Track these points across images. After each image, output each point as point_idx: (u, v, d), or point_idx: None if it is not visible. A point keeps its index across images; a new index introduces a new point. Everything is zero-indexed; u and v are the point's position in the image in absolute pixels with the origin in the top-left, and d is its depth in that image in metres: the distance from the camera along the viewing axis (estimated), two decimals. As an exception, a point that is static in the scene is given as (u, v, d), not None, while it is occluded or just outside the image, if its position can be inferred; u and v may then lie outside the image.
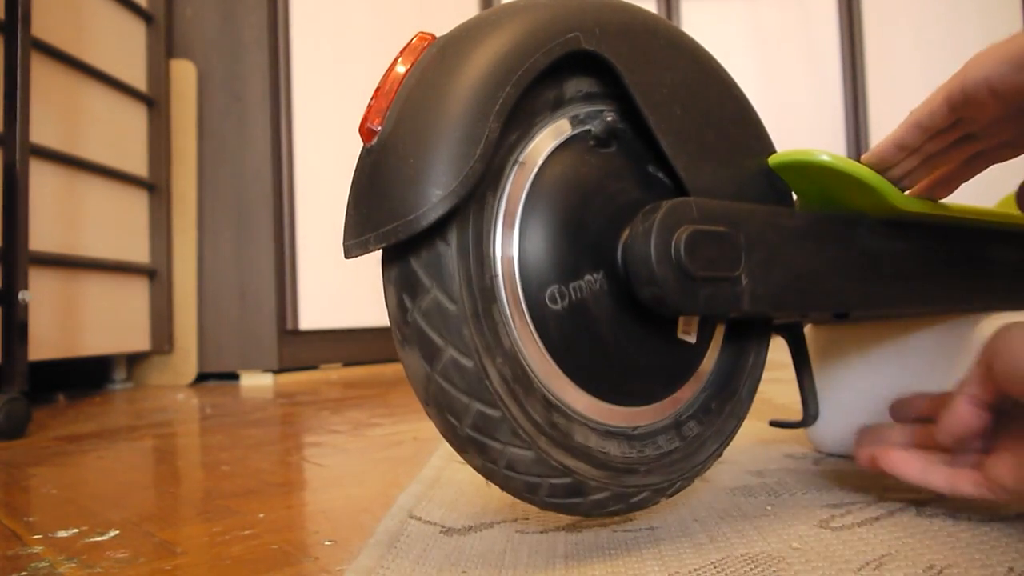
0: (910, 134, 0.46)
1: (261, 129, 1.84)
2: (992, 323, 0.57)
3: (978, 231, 0.57)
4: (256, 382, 1.81)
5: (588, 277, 0.42)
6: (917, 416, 0.52)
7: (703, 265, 0.41)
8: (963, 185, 0.52)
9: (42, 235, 1.40)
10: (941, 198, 0.52)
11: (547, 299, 0.41)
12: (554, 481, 0.40)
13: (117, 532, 0.53)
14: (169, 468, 0.82)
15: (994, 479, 0.42)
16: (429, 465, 0.68)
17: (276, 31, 1.86)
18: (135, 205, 1.76)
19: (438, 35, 0.42)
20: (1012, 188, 0.69)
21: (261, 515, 0.57)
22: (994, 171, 0.51)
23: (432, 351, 0.38)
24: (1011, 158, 0.50)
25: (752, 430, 0.78)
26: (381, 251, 0.40)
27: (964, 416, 0.43)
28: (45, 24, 1.42)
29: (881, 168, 0.48)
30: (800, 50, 2.46)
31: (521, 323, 0.40)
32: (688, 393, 0.48)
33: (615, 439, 0.44)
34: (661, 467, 0.45)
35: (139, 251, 1.77)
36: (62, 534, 0.53)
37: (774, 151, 0.50)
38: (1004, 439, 0.44)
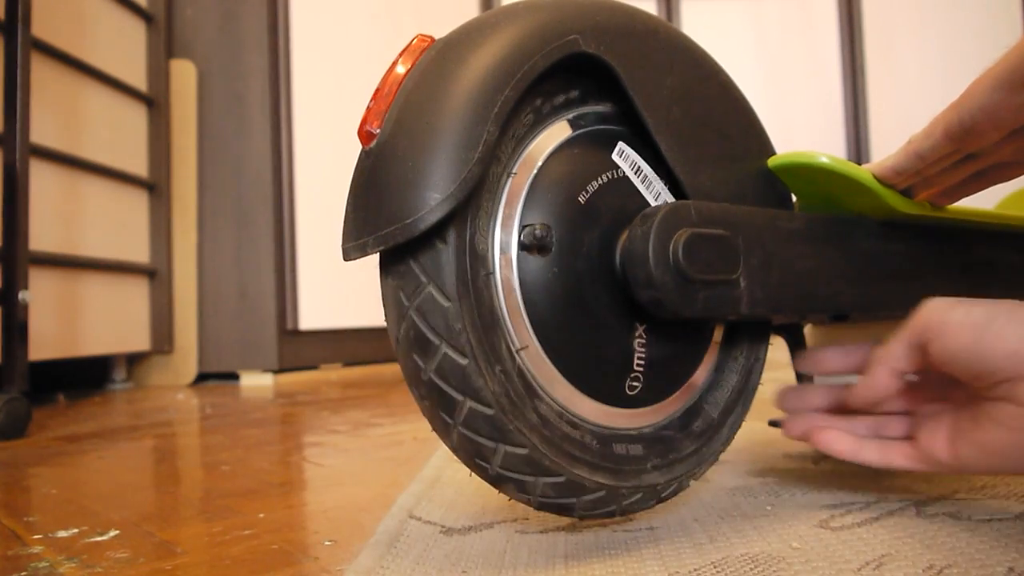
0: (910, 162, 0.46)
1: (261, 129, 1.84)
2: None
3: (977, 232, 0.58)
4: (256, 382, 1.81)
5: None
6: (831, 371, 0.52)
7: (701, 268, 0.41)
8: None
9: (42, 235, 1.40)
10: (942, 206, 0.52)
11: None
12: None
13: (117, 532, 0.53)
14: (169, 468, 0.82)
15: (928, 452, 0.44)
16: (429, 465, 0.68)
17: (276, 31, 1.86)
18: (135, 205, 1.76)
19: (438, 37, 0.42)
20: (1011, 189, 0.69)
21: (261, 515, 0.57)
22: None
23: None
24: (1013, 178, 0.50)
25: (752, 430, 0.78)
26: (379, 254, 0.40)
27: (882, 385, 0.44)
28: (45, 24, 1.42)
29: None
30: (800, 51, 2.46)
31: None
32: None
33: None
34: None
35: (139, 251, 1.77)
36: (62, 534, 0.53)
37: (774, 153, 0.50)
38: (937, 411, 0.45)
